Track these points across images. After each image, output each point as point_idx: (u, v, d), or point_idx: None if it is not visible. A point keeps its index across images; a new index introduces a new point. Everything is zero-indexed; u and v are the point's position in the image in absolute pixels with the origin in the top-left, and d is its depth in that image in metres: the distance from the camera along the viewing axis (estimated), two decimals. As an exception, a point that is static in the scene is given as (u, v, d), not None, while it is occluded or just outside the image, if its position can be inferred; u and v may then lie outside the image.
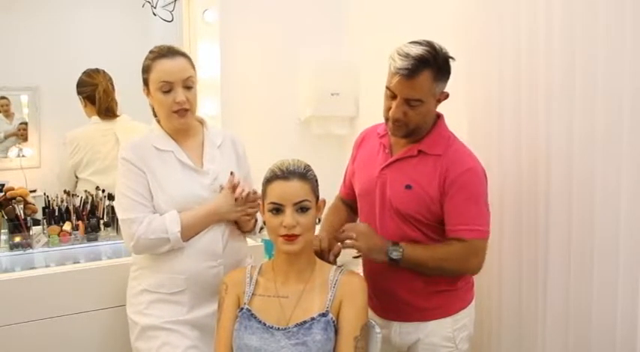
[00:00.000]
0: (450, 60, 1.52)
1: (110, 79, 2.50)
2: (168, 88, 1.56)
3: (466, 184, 1.50)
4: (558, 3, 1.66)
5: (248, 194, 1.63)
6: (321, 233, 1.63)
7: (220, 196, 1.62)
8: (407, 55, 1.46)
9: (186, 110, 1.58)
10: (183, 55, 1.61)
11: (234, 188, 1.63)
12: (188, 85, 1.58)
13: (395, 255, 1.48)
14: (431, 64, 1.46)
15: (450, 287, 1.59)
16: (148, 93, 1.62)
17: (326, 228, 1.71)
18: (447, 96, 1.56)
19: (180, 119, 1.59)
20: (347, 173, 1.81)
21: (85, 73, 2.48)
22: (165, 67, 1.56)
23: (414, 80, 1.46)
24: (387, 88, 1.53)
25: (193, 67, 1.63)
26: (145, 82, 1.61)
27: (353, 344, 1.36)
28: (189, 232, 1.57)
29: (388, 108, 1.53)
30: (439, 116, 1.62)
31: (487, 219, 1.54)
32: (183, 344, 1.56)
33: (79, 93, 2.48)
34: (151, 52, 1.62)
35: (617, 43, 1.51)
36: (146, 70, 1.60)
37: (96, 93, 2.44)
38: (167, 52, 1.59)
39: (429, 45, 1.49)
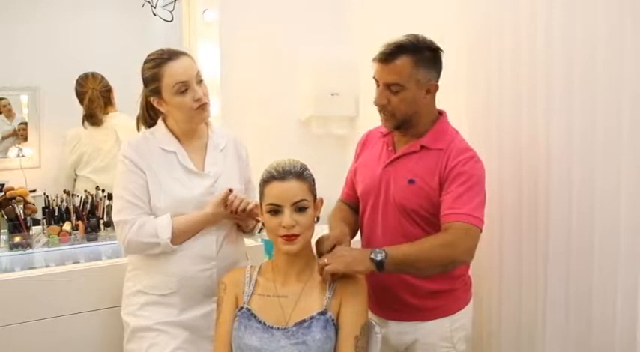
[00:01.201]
0: (440, 51, 1.54)
1: (102, 80, 2.50)
2: (184, 88, 1.55)
3: (464, 171, 1.49)
4: (558, 3, 1.66)
5: (245, 208, 1.60)
6: (330, 232, 1.59)
7: (216, 203, 1.59)
8: (387, 44, 1.51)
9: (206, 103, 1.59)
10: (184, 53, 1.60)
11: (227, 203, 1.60)
12: (200, 80, 1.59)
13: (379, 257, 1.38)
14: (409, 50, 1.49)
15: (448, 287, 1.59)
16: (160, 101, 1.59)
17: (336, 226, 1.67)
18: (436, 87, 1.55)
19: (202, 114, 1.60)
20: (349, 174, 1.81)
21: (77, 80, 2.49)
22: (177, 69, 1.55)
23: (391, 64, 1.50)
24: (373, 77, 1.56)
25: (195, 61, 1.63)
26: (156, 91, 1.57)
27: (353, 344, 1.36)
28: (181, 237, 1.57)
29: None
30: (441, 113, 1.62)
31: (480, 208, 1.49)
32: (171, 345, 1.56)
33: (77, 97, 2.50)
34: (150, 61, 1.58)
35: (617, 43, 1.50)
36: (155, 78, 1.56)
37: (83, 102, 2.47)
38: (170, 55, 1.56)
39: (412, 35, 1.52)
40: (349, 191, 1.79)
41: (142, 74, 1.59)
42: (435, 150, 1.55)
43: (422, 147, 1.56)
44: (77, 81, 2.49)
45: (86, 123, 2.47)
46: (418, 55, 1.50)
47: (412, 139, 1.59)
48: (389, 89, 1.52)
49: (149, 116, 1.68)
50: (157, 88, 1.57)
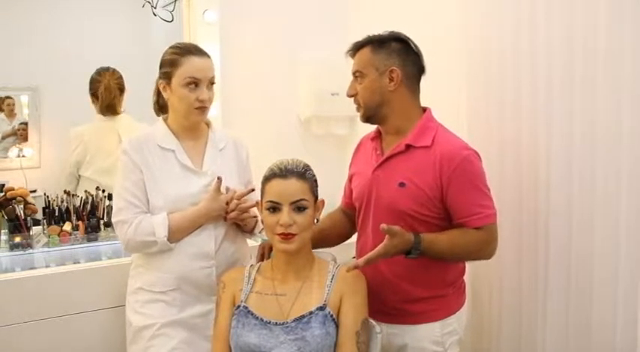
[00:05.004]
0: (410, 43, 1.57)
1: (119, 77, 2.53)
2: (194, 85, 1.58)
3: (464, 174, 1.48)
4: (558, 2, 1.66)
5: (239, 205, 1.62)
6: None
7: (209, 198, 1.59)
8: None
9: (207, 108, 1.62)
10: (208, 55, 1.65)
11: (221, 189, 1.61)
12: (212, 83, 1.62)
13: (414, 252, 1.43)
14: (371, 40, 1.57)
15: (440, 293, 1.57)
16: (166, 86, 1.61)
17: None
18: (397, 73, 1.53)
19: (199, 116, 1.62)
20: (346, 182, 1.80)
21: (96, 70, 2.52)
22: (196, 65, 1.58)
23: (356, 55, 1.60)
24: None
25: (214, 67, 1.66)
26: (167, 76, 1.60)
27: (355, 339, 1.36)
28: (178, 234, 1.57)
29: None
30: (425, 110, 1.61)
31: (491, 200, 1.53)
32: (167, 345, 1.56)
33: (89, 89, 2.52)
34: (176, 47, 1.62)
35: (617, 43, 1.50)
36: (172, 63, 1.59)
37: (98, 91, 2.48)
38: (195, 50, 1.62)
39: (386, 31, 1.59)
40: (346, 200, 1.80)
41: (162, 56, 1.63)
42: (421, 148, 1.52)
43: (407, 146, 1.54)
44: (96, 71, 2.52)
45: (100, 116, 2.49)
46: (379, 44, 1.56)
47: (397, 140, 1.58)
48: (355, 79, 1.60)
49: (159, 102, 1.71)
50: (170, 73, 1.59)
